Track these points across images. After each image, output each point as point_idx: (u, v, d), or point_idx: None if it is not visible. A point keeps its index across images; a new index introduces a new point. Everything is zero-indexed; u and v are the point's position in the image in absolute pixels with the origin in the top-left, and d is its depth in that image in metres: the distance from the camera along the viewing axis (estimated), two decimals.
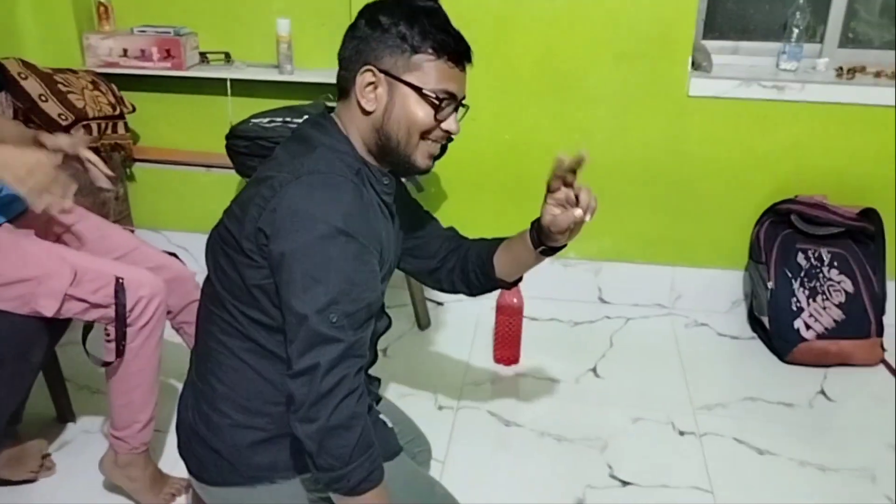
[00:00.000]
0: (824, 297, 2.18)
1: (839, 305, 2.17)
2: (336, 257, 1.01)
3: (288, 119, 1.98)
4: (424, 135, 1.11)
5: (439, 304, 2.45)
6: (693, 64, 2.24)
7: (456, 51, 1.10)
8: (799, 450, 1.81)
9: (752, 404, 2.00)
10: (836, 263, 2.20)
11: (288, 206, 1.02)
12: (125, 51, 2.39)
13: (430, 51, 1.08)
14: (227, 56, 2.46)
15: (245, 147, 1.95)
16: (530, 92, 2.28)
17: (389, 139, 1.11)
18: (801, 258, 2.21)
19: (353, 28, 1.11)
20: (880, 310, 2.19)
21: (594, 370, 2.13)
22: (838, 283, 2.19)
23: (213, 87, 2.45)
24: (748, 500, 1.66)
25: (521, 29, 2.22)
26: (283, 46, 2.32)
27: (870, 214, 2.21)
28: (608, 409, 1.97)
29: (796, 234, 2.23)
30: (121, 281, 1.42)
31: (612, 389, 2.05)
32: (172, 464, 1.63)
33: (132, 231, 2.47)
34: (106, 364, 1.46)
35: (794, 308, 2.17)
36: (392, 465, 1.17)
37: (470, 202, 2.46)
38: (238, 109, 2.38)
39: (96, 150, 2.28)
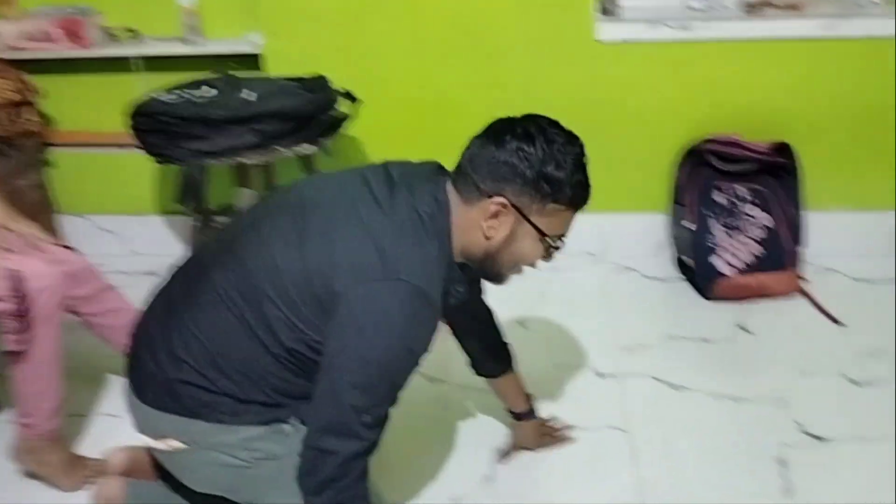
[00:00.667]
0: (743, 233, 2.21)
1: (758, 240, 2.20)
2: (395, 372, 1.11)
3: (187, 92, 1.95)
4: None
5: None
6: (603, 10, 2.23)
7: (584, 203, 1.17)
8: (715, 383, 1.85)
9: (673, 342, 2.04)
10: (753, 199, 2.23)
11: (374, 306, 1.07)
12: (28, 34, 2.33)
13: (566, 203, 1.14)
14: (134, 32, 2.40)
15: (147, 124, 1.93)
16: (442, 49, 2.26)
17: (495, 264, 1.19)
18: (719, 197, 2.24)
19: (502, 142, 1.14)
20: (797, 241, 2.23)
21: (521, 323, 2.16)
22: (757, 218, 2.22)
23: (125, 65, 2.40)
24: (662, 436, 1.70)
25: None
26: (188, 17, 2.27)
27: (784, 148, 2.23)
28: (531, 357, 1.98)
29: (714, 173, 2.25)
30: (17, 273, 1.42)
31: (538, 339, 2.08)
32: (89, 449, 1.66)
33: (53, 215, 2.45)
34: (8, 354, 1.47)
35: (713, 245, 2.21)
36: None
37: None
38: (153, 86, 2.34)
39: (5, 139, 2.25)
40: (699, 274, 2.24)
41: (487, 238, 1.15)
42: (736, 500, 1.53)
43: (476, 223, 1.15)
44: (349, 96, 2.07)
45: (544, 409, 1.76)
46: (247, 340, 1.14)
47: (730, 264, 2.19)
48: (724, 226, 2.22)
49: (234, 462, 1.20)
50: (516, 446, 1.66)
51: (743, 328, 2.08)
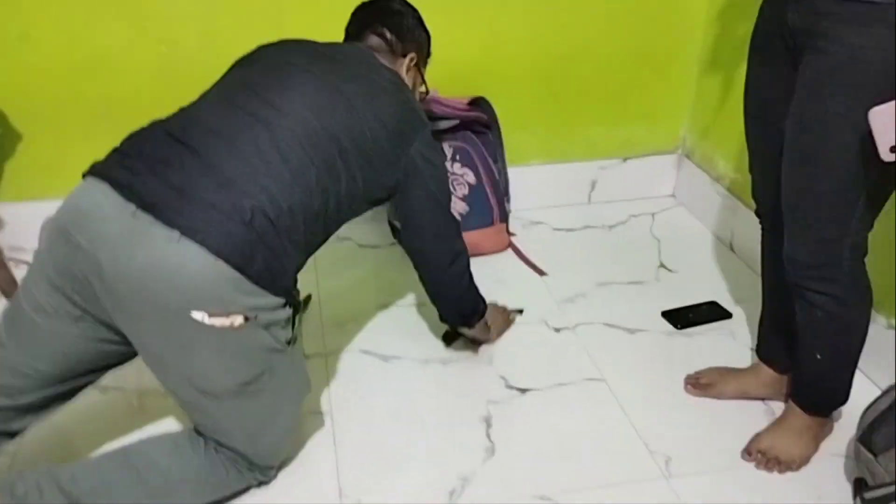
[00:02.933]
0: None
1: (463, 198, 2.17)
2: None
3: None
4: None
5: None
6: None
7: None
8: (424, 349, 1.78)
9: (384, 312, 1.94)
10: (457, 157, 2.19)
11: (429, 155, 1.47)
12: None
13: (429, 57, 1.68)
14: None
15: None
16: (95, 2, 1.93)
17: None
18: None
19: (399, 14, 1.57)
20: (502, 196, 2.23)
21: None
22: (461, 175, 2.18)
23: None
24: (366, 413, 1.59)
25: None
26: None
27: (480, 103, 2.21)
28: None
29: None
30: None
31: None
32: None
33: None
34: None
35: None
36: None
37: (53, 139, 2.07)
38: None
39: None
40: None
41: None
42: (445, 469, 1.45)
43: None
44: None
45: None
46: (317, 188, 1.23)
47: None
48: None
49: (276, 345, 1.21)
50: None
51: None
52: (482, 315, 1.65)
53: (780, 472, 1.45)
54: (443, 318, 1.66)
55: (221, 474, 1.28)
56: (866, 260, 1.32)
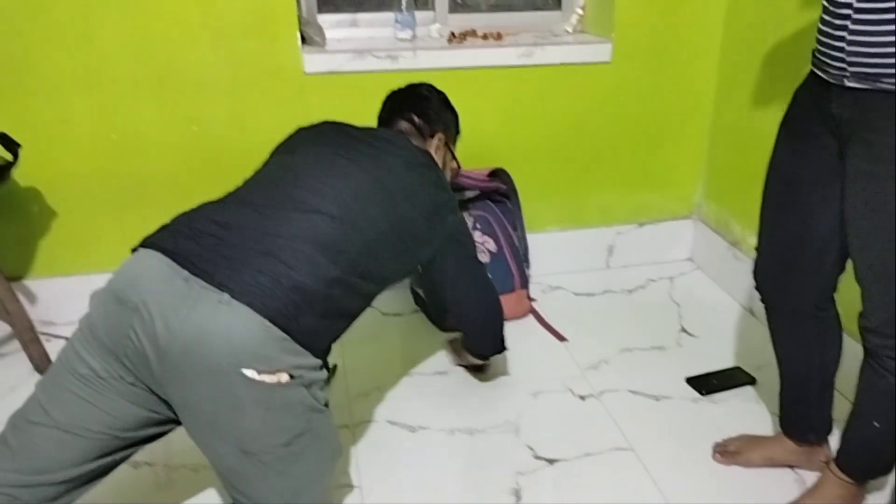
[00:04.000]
0: None
1: (484, 265, 2.20)
2: None
3: None
4: None
5: None
6: (305, 40, 2.13)
7: None
8: (450, 418, 1.79)
9: (409, 379, 1.95)
10: (478, 225, 2.24)
11: (460, 228, 1.60)
12: None
13: (457, 135, 1.79)
14: None
15: None
16: (129, 84, 2.01)
17: None
18: None
19: (426, 98, 1.71)
20: (522, 263, 2.26)
21: None
22: (482, 243, 2.22)
23: None
24: (396, 486, 1.59)
25: (108, 12, 1.94)
26: None
27: (499, 174, 2.27)
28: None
29: None
30: None
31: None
32: None
33: None
34: None
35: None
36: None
37: (85, 216, 2.14)
38: None
39: None
40: (432, 305, 2.19)
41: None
42: None
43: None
44: (5, 140, 1.75)
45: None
46: (356, 268, 1.31)
47: None
48: None
49: (315, 404, 1.24)
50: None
51: None
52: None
53: None
54: (480, 352, 1.84)
55: None
56: None
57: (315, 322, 1.22)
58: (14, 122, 1.83)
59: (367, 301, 1.38)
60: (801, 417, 1.58)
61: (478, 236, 2.22)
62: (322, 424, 1.29)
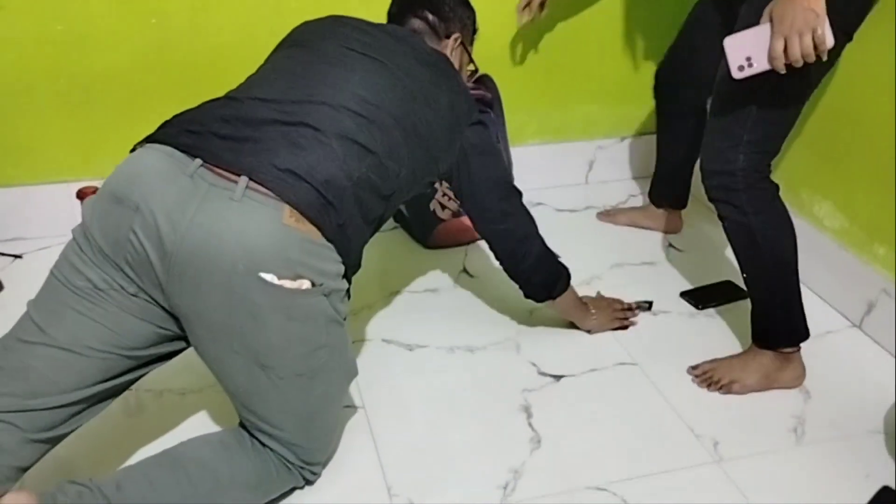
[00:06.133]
0: None
1: None
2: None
3: None
4: None
5: None
6: None
7: None
8: (448, 336, 1.71)
9: (399, 297, 1.86)
10: None
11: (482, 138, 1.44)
12: None
13: (474, 35, 1.56)
14: None
15: None
16: None
17: None
18: None
19: None
20: None
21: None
22: None
23: None
24: (399, 402, 1.51)
25: None
26: None
27: (484, 80, 2.14)
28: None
29: None
30: None
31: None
32: None
33: None
34: None
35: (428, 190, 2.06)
36: None
37: (28, 120, 1.90)
38: None
39: None
40: (416, 222, 2.09)
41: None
42: (493, 462, 1.39)
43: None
44: None
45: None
46: (381, 167, 1.20)
47: (445, 207, 2.06)
48: None
49: (335, 315, 1.15)
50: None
51: (467, 272, 1.98)
52: (567, 284, 1.61)
53: (721, 391, 1.55)
54: (527, 294, 1.60)
55: (270, 473, 1.19)
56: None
57: (344, 222, 1.12)
58: None
59: (390, 209, 1.28)
60: (662, 191, 2.13)
61: None
62: (340, 339, 1.20)
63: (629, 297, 1.85)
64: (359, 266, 1.25)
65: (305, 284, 1.08)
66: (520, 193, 1.53)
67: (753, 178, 1.44)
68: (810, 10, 1.17)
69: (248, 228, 1.04)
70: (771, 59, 1.24)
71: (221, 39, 1.92)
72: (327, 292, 1.13)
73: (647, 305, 1.80)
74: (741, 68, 1.28)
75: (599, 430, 1.48)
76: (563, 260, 1.64)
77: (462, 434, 1.45)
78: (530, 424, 1.48)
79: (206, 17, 1.89)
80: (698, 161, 1.52)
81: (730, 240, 1.53)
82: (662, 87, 1.99)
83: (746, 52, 1.27)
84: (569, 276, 1.62)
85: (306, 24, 1.40)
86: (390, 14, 1.50)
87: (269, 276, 1.04)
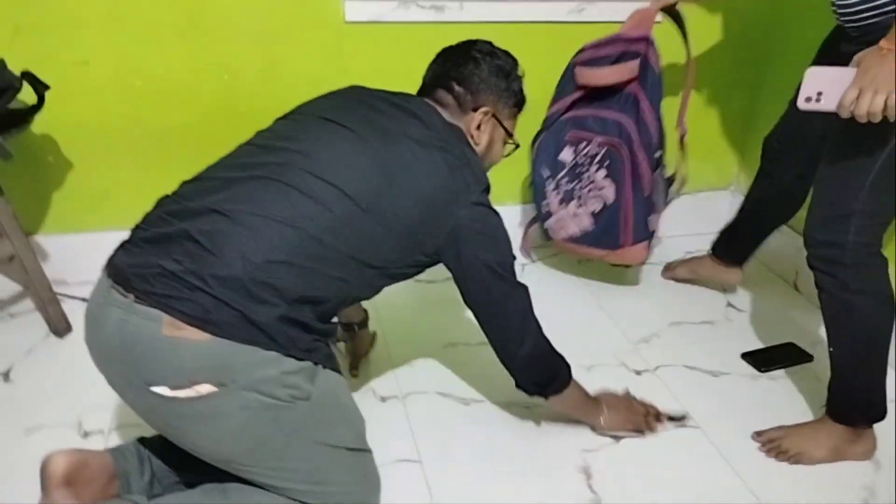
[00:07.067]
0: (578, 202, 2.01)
1: (592, 214, 2.01)
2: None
3: None
4: None
5: None
6: None
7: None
8: (505, 393, 1.70)
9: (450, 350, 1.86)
10: (607, 162, 1.95)
11: (478, 220, 1.28)
12: None
13: (520, 108, 1.43)
14: None
15: None
16: (156, 25, 1.85)
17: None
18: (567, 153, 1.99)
19: (475, 61, 1.36)
20: (647, 210, 2.04)
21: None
22: (599, 190, 1.98)
23: None
24: (453, 457, 1.50)
25: None
26: None
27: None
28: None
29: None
30: None
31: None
32: None
33: None
34: None
35: (544, 212, 2.05)
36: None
37: (104, 169, 1.98)
38: None
39: None
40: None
41: (476, 145, 1.35)
42: None
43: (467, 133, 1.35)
44: (33, 81, 1.58)
45: None
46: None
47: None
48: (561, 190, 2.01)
49: (271, 402, 1.08)
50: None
51: None
52: (564, 385, 1.45)
53: (788, 462, 1.50)
54: (518, 387, 1.44)
55: None
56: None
57: (267, 312, 1.08)
58: (30, 62, 1.65)
59: (354, 286, 1.23)
60: (730, 244, 2.05)
61: (599, 175, 1.96)
62: (300, 415, 1.13)
63: (687, 359, 1.82)
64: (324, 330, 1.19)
65: (206, 389, 1.04)
66: (524, 289, 1.36)
67: (863, 253, 1.35)
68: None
69: (135, 340, 1.04)
70: (840, 104, 1.20)
71: (290, 94, 1.98)
72: (248, 386, 1.06)
73: (680, 418, 1.63)
74: (808, 100, 1.25)
75: (661, 494, 1.44)
76: (621, 315, 1.59)
77: (519, 493, 1.43)
78: (590, 486, 1.45)
79: (275, 73, 1.96)
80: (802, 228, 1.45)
81: (823, 310, 1.43)
82: (771, 150, 1.86)
83: (821, 87, 1.23)
84: (567, 377, 1.46)
85: (315, 99, 1.40)
86: (423, 81, 1.43)
87: (160, 389, 1.04)
